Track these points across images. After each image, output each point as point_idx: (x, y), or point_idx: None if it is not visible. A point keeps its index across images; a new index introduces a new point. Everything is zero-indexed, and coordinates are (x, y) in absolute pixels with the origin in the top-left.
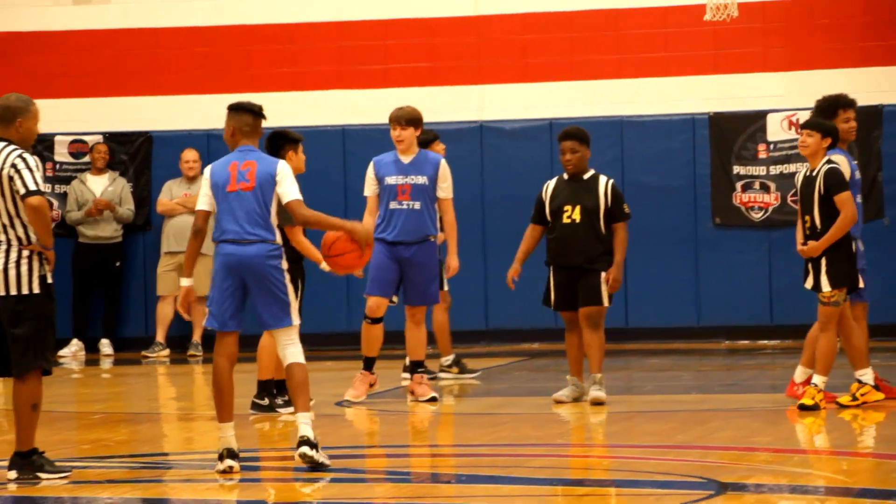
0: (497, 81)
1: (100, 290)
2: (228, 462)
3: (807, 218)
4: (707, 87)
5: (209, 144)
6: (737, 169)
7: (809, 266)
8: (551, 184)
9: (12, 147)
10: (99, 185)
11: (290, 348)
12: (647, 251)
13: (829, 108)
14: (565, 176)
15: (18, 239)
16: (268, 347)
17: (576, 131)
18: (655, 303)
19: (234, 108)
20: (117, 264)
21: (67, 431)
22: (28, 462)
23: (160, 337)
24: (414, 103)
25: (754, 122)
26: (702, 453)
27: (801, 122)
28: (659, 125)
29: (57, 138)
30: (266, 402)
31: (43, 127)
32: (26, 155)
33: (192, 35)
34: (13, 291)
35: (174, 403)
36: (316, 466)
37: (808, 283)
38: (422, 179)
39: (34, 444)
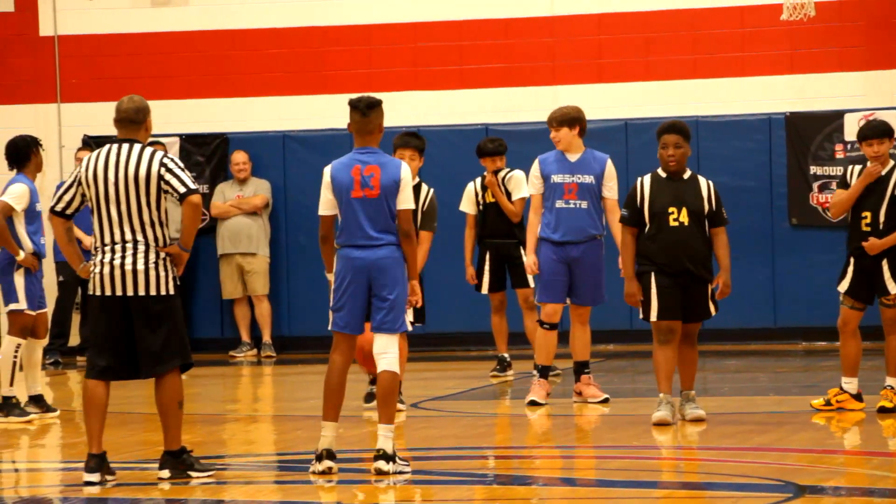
0: (572, 82)
1: None
2: (327, 463)
3: (865, 214)
4: (784, 87)
5: (285, 145)
6: (814, 169)
7: (850, 269)
8: (646, 182)
9: (151, 148)
10: None
11: (390, 353)
12: None
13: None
14: (662, 174)
15: (156, 240)
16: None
17: (681, 125)
18: (732, 304)
19: (349, 104)
20: None
21: (145, 433)
22: (180, 461)
23: (245, 336)
24: (489, 104)
25: (831, 122)
26: (779, 455)
27: (863, 132)
28: (735, 125)
29: None
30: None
31: None
32: (171, 155)
33: (268, 37)
34: (153, 292)
35: (251, 405)
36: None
37: (843, 286)
38: (588, 178)
39: (182, 442)
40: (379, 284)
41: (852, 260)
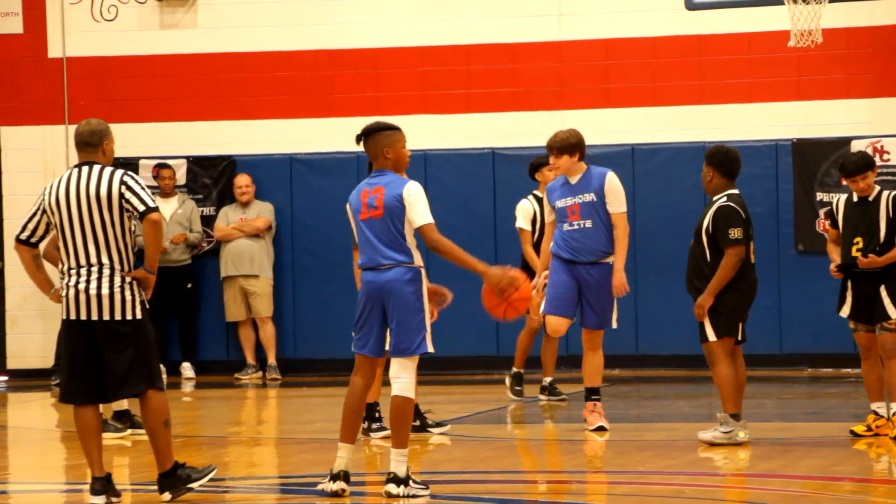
0: (579, 107)
1: (174, 313)
2: (341, 484)
3: (857, 240)
4: (790, 114)
5: (292, 168)
6: (820, 196)
7: (848, 294)
8: None
9: (111, 168)
10: (168, 209)
11: (402, 378)
12: None
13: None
14: None
15: (121, 263)
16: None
17: (708, 151)
18: None
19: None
20: (188, 286)
21: (151, 455)
22: (176, 479)
23: (250, 359)
24: (495, 128)
25: (838, 148)
26: (785, 482)
27: (845, 170)
28: (742, 151)
29: (141, 162)
30: None
31: (127, 151)
32: (131, 173)
33: (276, 60)
34: (118, 317)
35: (256, 428)
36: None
37: (845, 312)
38: (588, 196)
39: (173, 458)
40: (388, 308)
41: (850, 283)
